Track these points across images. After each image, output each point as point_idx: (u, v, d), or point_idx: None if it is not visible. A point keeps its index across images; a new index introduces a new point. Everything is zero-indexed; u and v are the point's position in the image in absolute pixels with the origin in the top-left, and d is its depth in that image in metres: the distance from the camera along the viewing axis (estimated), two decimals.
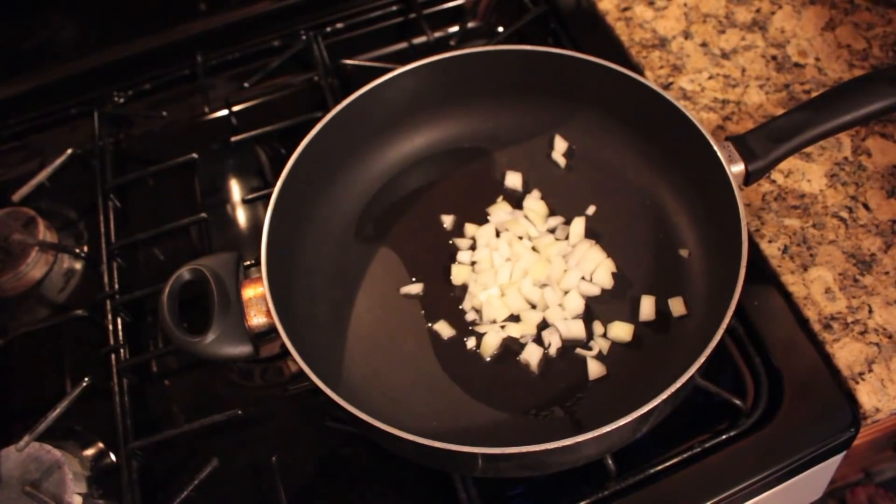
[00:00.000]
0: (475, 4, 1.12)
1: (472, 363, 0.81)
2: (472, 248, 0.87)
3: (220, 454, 0.80)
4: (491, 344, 0.81)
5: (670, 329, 0.81)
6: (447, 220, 0.89)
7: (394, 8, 1.12)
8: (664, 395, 0.66)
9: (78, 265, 0.98)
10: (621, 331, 0.80)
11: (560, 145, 0.92)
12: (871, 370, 0.78)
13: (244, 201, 0.99)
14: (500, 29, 1.09)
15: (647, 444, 0.75)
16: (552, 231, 0.88)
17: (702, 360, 0.67)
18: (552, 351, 0.81)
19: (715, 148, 0.78)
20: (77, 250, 0.97)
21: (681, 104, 0.81)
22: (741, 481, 0.74)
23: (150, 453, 0.84)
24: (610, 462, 0.74)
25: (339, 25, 1.11)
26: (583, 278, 0.84)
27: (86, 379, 0.84)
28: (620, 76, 0.83)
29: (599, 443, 0.68)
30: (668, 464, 0.76)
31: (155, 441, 0.82)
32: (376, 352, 0.83)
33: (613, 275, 0.84)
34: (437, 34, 1.08)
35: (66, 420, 0.82)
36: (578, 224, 0.87)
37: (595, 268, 0.84)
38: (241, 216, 1.00)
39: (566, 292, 0.83)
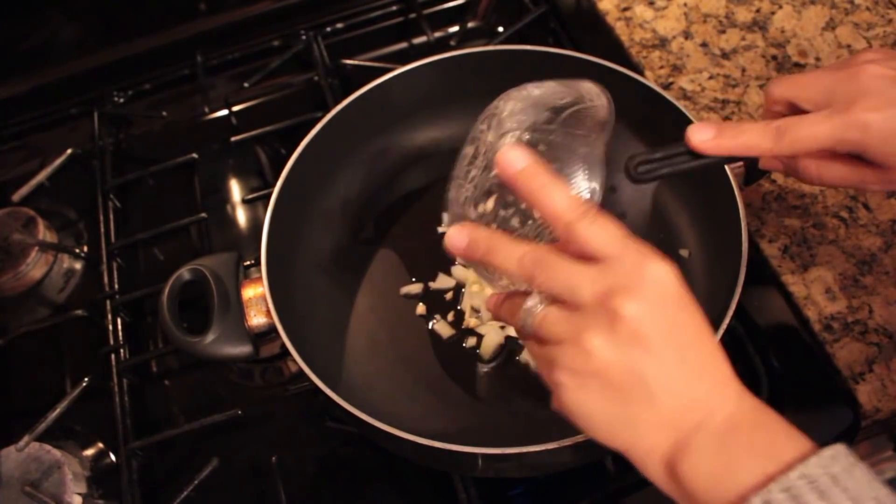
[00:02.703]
0: (478, 2, 1.12)
1: (472, 363, 0.81)
2: None
3: (220, 454, 0.80)
4: (491, 344, 0.81)
5: None
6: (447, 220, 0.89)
7: (394, 8, 1.12)
8: None
9: (78, 265, 0.98)
10: None
11: None
12: (871, 370, 0.78)
13: (244, 201, 0.99)
14: (500, 29, 1.09)
15: None
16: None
17: None
18: None
19: None
20: (77, 250, 0.97)
21: (681, 104, 0.80)
22: None
23: (150, 453, 0.84)
24: (610, 462, 0.74)
25: (339, 25, 1.11)
26: None
27: (86, 379, 0.84)
28: (620, 76, 0.83)
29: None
30: None
31: (155, 441, 0.82)
32: (376, 352, 0.83)
33: None
34: (437, 34, 1.08)
35: (66, 420, 0.82)
36: None
37: None
38: (241, 216, 1.00)
39: None
